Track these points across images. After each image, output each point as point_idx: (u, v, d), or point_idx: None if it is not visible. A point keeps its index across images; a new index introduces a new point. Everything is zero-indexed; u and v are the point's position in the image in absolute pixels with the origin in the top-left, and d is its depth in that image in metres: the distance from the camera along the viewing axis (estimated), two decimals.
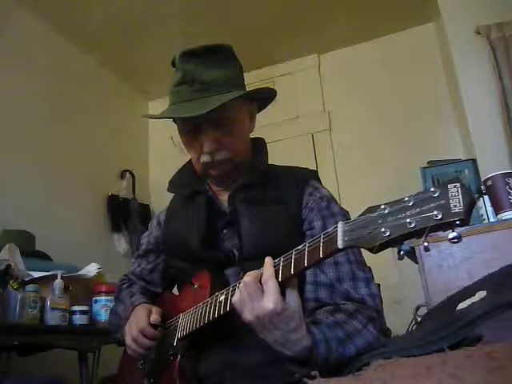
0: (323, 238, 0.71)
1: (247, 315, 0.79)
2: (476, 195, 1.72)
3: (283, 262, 0.78)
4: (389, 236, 0.61)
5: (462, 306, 0.83)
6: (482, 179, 1.69)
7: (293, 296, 0.78)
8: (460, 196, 0.56)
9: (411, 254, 1.64)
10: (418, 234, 0.59)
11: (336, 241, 0.67)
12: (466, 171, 1.89)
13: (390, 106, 3.24)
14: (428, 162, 1.99)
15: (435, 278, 1.52)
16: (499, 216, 1.55)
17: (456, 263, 1.51)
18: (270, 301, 0.76)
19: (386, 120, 3.22)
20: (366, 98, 3.32)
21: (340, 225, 0.68)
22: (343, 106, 3.41)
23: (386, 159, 3.12)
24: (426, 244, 0.60)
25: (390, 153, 3.12)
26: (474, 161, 1.96)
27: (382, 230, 0.61)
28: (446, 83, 3.10)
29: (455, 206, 0.56)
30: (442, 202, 0.57)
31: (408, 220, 0.59)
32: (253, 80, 3.04)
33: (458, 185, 0.57)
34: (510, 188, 1.53)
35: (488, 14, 2.64)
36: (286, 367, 0.81)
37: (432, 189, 0.59)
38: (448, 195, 0.57)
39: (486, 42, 2.59)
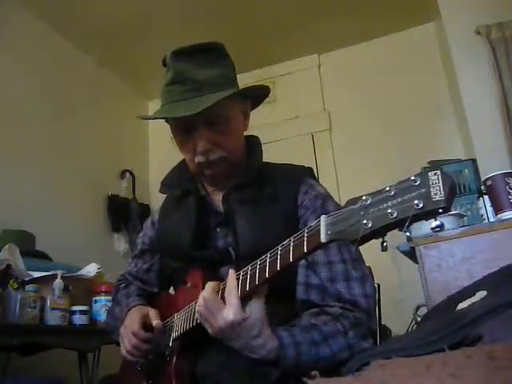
0: (307, 233, 0.71)
1: (210, 328, 0.84)
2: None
3: (270, 258, 0.78)
4: (371, 227, 0.60)
5: (461, 306, 0.83)
6: (482, 179, 1.69)
7: (257, 303, 0.82)
8: (440, 183, 0.55)
9: (411, 254, 1.64)
10: (400, 223, 0.59)
11: (319, 235, 0.67)
12: (466, 171, 1.89)
13: (390, 106, 3.24)
14: (428, 162, 1.99)
15: (435, 278, 1.52)
16: (499, 216, 1.55)
17: (456, 263, 1.51)
18: (230, 313, 0.80)
19: (386, 120, 3.22)
20: (366, 98, 3.32)
21: (323, 218, 0.68)
22: (343, 106, 3.41)
23: (386, 159, 3.12)
24: (408, 234, 0.59)
25: (390, 153, 3.12)
26: (474, 161, 1.96)
27: (364, 221, 0.61)
28: (446, 83, 3.09)
29: (436, 194, 0.55)
30: (423, 190, 0.56)
31: (389, 210, 0.58)
32: (253, 80, 3.04)
33: (439, 172, 0.56)
34: (510, 188, 1.53)
35: (488, 14, 2.64)
36: (259, 368, 0.84)
37: (412, 177, 0.58)
38: (429, 183, 0.56)
39: (486, 41, 2.59)
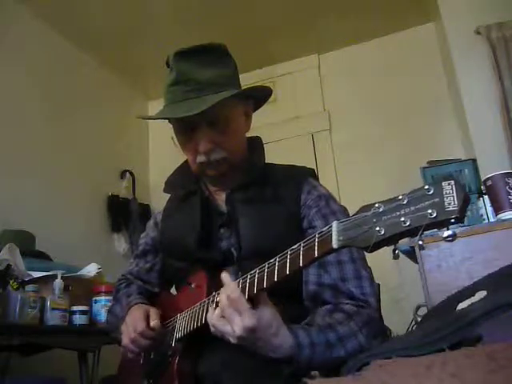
0: (318, 238, 0.71)
1: (232, 337, 0.80)
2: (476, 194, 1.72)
3: (279, 261, 0.77)
4: (384, 235, 0.60)
5: (461, 306, 0.83)
6: (482, 179, 1.69)
7: (264, 302, 0.80)
8: (454, 194, 0.55)
9: (411, 254, 1.64)
10: (412, 232, 0.59)
11: (331, 240, 0.67)
12: (466, 171, 1.89)
13: (390, 106, 3.23)
14: (428, 162, 1.99)
15: (435, 278, 1.52)
16: (499, 216, 1.55)
17: (456, 263, 1.51)
18: (246, 318, 0.77)
19: (386, 120, 3.22)
20: (366, 98, 3.32)
21: (334, 224, 0.68)
22: (343, 106, 3.41)
23: (386, 159, 3.12)
24: (420, 243, 0.59)
25: (390, 153, 3.12)
26: (474, 161, 1.96)
27: (377, 228, 0.61)
28: (446, 83, 3.09)
29: (449, 203, 0.55)
30: (437, 199, 0.56)
31: (403, 219, 0.59)
32: (253, 80, 3.04)
33: (453, 182, 0.56)
34: (510, 188, 1.53)
35: (488, 14, 2.64)
36: (274, 365, 0.83)
37: (426, 186, 0.58)
38: (442, 193, 0.56)
39: (486, 41, 2.59)
